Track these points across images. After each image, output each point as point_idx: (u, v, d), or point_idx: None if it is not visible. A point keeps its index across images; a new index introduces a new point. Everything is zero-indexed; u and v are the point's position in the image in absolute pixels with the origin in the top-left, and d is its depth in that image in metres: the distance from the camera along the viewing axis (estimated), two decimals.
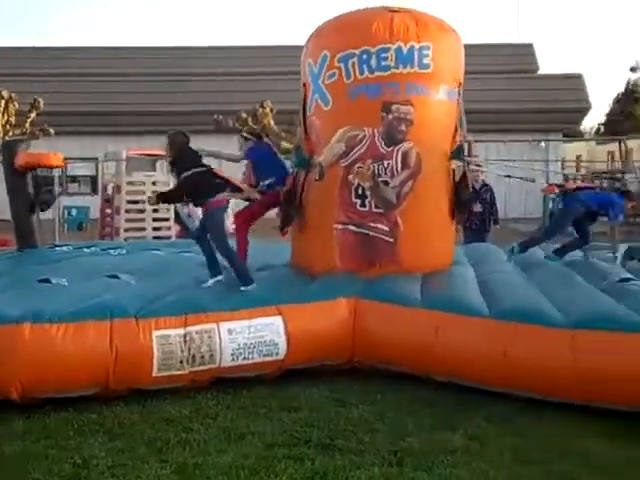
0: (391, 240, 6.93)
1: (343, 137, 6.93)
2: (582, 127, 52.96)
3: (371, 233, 6.94)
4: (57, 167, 10.33)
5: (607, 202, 8.02)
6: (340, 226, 7.02)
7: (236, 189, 7.08)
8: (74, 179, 23.68)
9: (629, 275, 6.87)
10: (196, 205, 7.74)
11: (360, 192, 6.93)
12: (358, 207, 6.95)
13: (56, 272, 6.98)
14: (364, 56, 6.84)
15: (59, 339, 5.13)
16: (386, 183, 6.89)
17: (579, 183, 8.15)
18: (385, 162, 6.89)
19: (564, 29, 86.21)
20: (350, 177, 6.95)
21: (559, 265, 7.81)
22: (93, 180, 25.70)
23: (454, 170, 7.23)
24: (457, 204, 7.35)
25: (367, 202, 6.93)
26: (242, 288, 6.44)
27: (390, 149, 6.90)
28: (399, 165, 6.90)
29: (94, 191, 24.90)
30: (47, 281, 6.52)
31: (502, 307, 5.76)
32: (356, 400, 5.38)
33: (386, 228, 6.93)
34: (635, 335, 5.10)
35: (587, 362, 5.10)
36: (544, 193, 21.37)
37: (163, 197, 7.29)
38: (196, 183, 6.66)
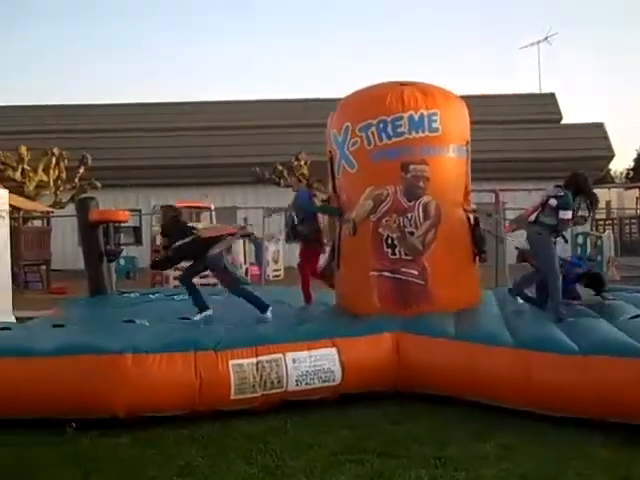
0: (422, 282, 7.88)
1: (370, 195, 7.93)
2: (612, 172, 53.25)
3: (403, 277, 7.89)
4: (123, 222, 11.53)
5: None
6: (376, 273, 7.99)
7: (226, 236, 8.36)
8: (117, 230, 24.71)
9: None
10: (198, 265, 8.44)
11: (390, 242, 7.90)
12: (390, 255, 7.92)
13: (134, 314, 8.07)
14: (381, 125, 7.89)
15: (155, 367, 6.17)
16: (412, 233, 7.86)
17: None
18: (409, 215, 7.87)
19: (587, 78, 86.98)
20: (380, 230, 7.93)
21: None
22: (135, 230, 26.98)
23: (469, 217, 8.21)
24: (476, 245, 8.30)
25: (397, 250, 7.90)
26: (260, 315, 7.90)
27: (412, 203, 7.88)
28: (421, 216, 7.88)
29: (137, 241, 26.17)
30: (131, 321, 7.60)
31: (522, 336, 6.67)
32: (403, 418, 6.31)
33: (416, 272, 7.88)
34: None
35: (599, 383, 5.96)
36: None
37: (160, 265, 9.14)
38: (185, 251, 8.13)
